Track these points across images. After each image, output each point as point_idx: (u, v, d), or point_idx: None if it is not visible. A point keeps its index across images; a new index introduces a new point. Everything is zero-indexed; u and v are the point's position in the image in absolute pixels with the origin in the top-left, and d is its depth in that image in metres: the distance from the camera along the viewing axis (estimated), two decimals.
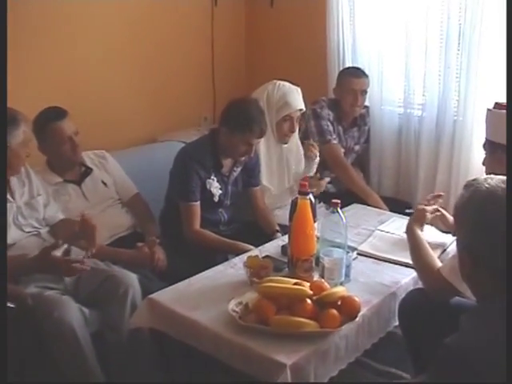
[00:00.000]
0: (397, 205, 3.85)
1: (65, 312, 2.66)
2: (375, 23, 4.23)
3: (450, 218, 2.85)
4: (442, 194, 3.03)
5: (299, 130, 3.84)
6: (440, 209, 2.96)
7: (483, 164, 2.88)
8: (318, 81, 4.51)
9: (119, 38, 4.30)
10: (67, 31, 4.01)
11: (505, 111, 2.77)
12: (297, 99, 3.67)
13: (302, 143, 3.88)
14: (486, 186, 1.67)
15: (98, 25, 4.16)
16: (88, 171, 3.45)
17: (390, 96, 4.30)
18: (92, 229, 2.84)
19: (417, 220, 2.76)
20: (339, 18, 4.34)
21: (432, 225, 2.95)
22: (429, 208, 2.86)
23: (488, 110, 2.95)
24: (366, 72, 4.15)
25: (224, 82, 4.99)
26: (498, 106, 2.90)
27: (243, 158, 3.41)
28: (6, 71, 2.66)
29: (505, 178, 1.70)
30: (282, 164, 3.80)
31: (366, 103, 4.22)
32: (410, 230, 2.72)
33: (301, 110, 3.70)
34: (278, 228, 3.44)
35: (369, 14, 4.24)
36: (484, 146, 2.88)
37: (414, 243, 2.65)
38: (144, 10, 4.41)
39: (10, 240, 2.80)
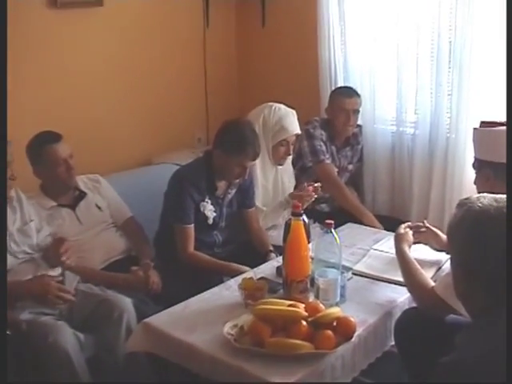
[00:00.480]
0: (391, 223, 3.81)
1: (59, 337, 2.65)
2: (366, 42, 4.24)
3: (443, 237, 2.85)
4: (421, 224, 3.03)
5: (293, 150, 3.84)
6: (433, 228, 2.97)
7: (475, 183, 2.89)
8: (311, 100, 4.53)
9: (111, 60, 4.32)
10: (57, 53, 4.02)
11: (491, 129, 2.78)
12: (293, 123, 3.68)
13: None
14: (479, 204, 1.68)
15: (90, 47, 4.18)
16: (82, 195, 3.44)
17: (383, 114, 4.30)
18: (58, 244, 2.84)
19: (404, 240, 2.77)
20: (330, 37, 4.36)
21: (426, 244, 2.96)
22: (409, 230, 2.88)
23: (474, 129, 2.96)
24: (358, 91, 4.16)
25: (217, 103, 5.01)
26: (483, 124, 2.90)
27: (237, 180, 3.41)
28: (6, 71, 2.67)
29: (497, 196, 1.71)
30: (277, 185, 3.82)
31: (359, 122, 4.23)
32: (398, 251, 2.73)
33: (297, 133, 3.71)
34: (271, 248, 3.43)
35: (360, 33, 4.26)
36: (473, 165, 2.89)
37: (404, 263, 2.66)
38: (136, 32, 4.43)
39: None
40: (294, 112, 3.73)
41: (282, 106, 3.74)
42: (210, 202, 3.38)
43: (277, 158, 3.71)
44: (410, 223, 2.95)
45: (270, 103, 3.76)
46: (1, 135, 2.53)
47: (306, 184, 3.64)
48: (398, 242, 2.77)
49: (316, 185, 3.60)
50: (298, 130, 3.71)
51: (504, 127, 2.71)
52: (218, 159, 3.33)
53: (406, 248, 2.73)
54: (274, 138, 3.65)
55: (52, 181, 3.34)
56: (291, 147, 3.71)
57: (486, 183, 2.68)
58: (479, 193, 1.83)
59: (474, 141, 2.93)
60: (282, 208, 3.77)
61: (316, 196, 3.60)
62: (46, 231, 3.12)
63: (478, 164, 2.80)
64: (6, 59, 2.71)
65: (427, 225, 2.99)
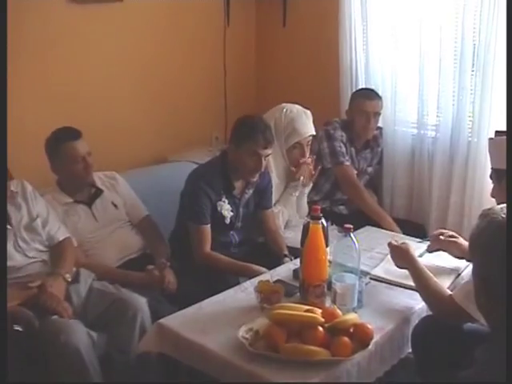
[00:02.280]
0: (410, 227, 3.81)
1: (72, 336, 2.63)
2: (388, 43, 4.20)
3: (464, 243, 2.81)
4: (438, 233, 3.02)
5: (311, 151, 3.80)
6: (454, 234, 2.93)
7: (492, 196, 2.83)
8: (331, 101, 4.48)
9: (129, 57, 4.30)
10: (75, 48, 4.00)
11: (502, 137, 2.73)
12: (306, 125, 3.64)
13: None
14: (503, 215, 1.63)
15: (108, 43, 4.17)
16: (98, 192, 3.43)
17: (404, 117, 4.26)
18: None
19: (407, 249, 2.75)
20: (352, 38, 4.32)
21: (446, 251, 2.92)
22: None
23: (490, 139, 2.91)
24: (379, 92, 4.11)
25: (235, 101, 4.98)
26: (498, 134, 2.85)
27: (255, 179, 3.36)
28: (5, 71, 2.65)
29: None
30: None
31: (380, 124, 4.18)
32: (408, 260, 2.69)
33: (311, 135, 3.67)
34: (286, 252, 3.39)
35: (382, 34, 4.22)
36: (491, 176, 2.83)
37: (417, 272, 2.62)
38: (156, 29, 4.42)
39: (15, 263, 2.81)
40: (307, 112, 3.68)
41: (295, 107, 3.70)
42: (227, 201, 3.36)
43: (292, 160, 3.68)
44: (393, 242, 2.88)
45: (283, 104, 3.73)
46: (1, 135, 2.52)
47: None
48: (402, 252, 2.74)
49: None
50: (311, 132, 3.67)
51: None
52: (232, 154, 3.31)
53: (415, 256, 2.71)
54: (287, 142, 3.63)
55: (69, 177, 3.33)
56: (306, 149, 3.67)
57: (504, 194, 2.61)
58: (499, 204, 1.78)
59: (490, 151, 2.88)
60: (292, 193, 3.78)
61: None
62: (53, 226, 3.11)
63: (498, 175, 2.73)
64: (6, 59, 2.69)
65: (449, 233, 2.95)
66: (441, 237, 2.95)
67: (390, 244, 2.85)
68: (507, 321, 1.53)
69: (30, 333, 2.63)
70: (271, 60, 5.09)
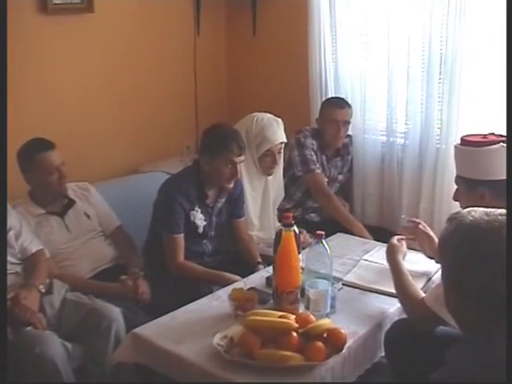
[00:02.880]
0: (381, 234, 3.84)
1: (47, 347, 2.63)
2: (357, 52, 4.25)
3: (436, 241, 2.84)
4: (418, 221, 3.04)
5: (283, 159, 3.83)
6: (427, 230, 2.95)
7: (455, 199, 2.87)
8: (301, 110, 4.51)
9: (100, 67, 4.30)
10: (46, 60, 3.99)
11: (481, 148, 2.73)
12: (276, 133, 3.65)
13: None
14: (470, 218, 1.66)
15: (79, 54, 4.15)
16: (71, 203, 3.42)
17: (373, 125, 4.30)
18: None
19: (398, 251, 2.76)
20: (321, 47, 4.36)
21: (419, 250, 2.95)
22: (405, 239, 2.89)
23: (455, 146, 2.92)
24: (349, 101, 4.15)
25: (206, 111, 4.98)
26: (464, 141, 2.84)
27: (231, 185, 3.38)
28: (6, 71, 2.66)
29: (488, 210, 1.70)
30: (266, 195, 3.82)
31: (349, 132, 4.22)
32: (392, 262, 2.72)
33: (282, 142, 3.70)
34: (259, 260, 3.42)
35: (351, 43, 4.26)
36: (456, 181, 2.87)
37: (397, 274, 2.66)
38: (127, 40, 4.42)
39: None
40: (279, 121, 3.71)
41: (266, 116, 3.72)
42: (199, 210, 3.37)
43: (264, 168, 3.70)
44: (402, 236, 2.92)
45: (254, 114, 3.74)
46: (1, 137, 2.52)
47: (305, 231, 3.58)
48: (392, 252, 2.76)
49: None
50: (282, 139, 3.69)
51: (494, 146, 2.70)
52: (205, 165, 3.32)
53: (400, 259, 2.73)
54: (258, 150, 3.64)
55: (43, 188, 3.32)
56: (278, 156, 3.68)
57: (480, 201, 2.63)
58: (465, 208, 1.81)
59: (456, 158, 2.90)
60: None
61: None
62: (26, 238, 3.10)
63: (469, 183, 2.75)
64: (6, 63, 2.70)
65: (422, 225, 2.98)
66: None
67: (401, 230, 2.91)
68: (507, 320, 1.56)
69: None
70: (242, 69, 5.11)
